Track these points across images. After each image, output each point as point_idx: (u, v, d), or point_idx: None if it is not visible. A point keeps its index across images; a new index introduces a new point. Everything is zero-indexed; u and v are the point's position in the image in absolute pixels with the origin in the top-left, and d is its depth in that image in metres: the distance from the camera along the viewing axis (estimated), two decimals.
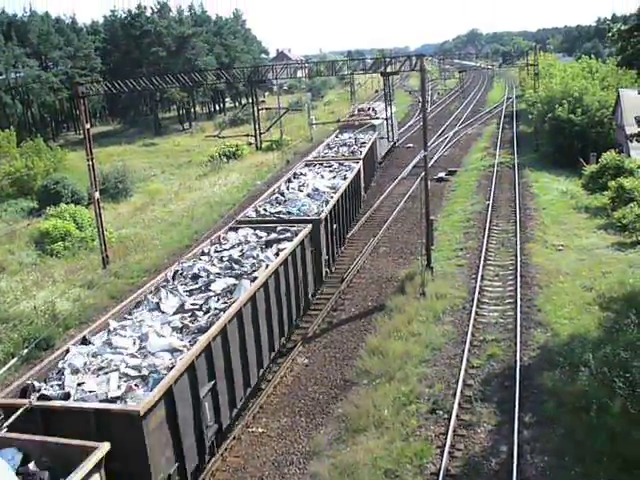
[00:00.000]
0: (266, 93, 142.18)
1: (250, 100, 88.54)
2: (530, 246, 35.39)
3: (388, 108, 51.94)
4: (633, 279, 29.11)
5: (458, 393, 21.11)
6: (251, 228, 27.89)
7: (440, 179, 54.09)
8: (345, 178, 37.77)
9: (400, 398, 21.30)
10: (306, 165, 42.79)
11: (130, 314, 20.08)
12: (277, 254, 24.28)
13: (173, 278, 22.70)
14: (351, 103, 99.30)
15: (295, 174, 39.53)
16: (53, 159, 63.31)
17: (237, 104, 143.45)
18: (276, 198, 33.48)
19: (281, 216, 30.13)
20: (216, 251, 25.35)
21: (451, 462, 18.33)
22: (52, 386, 16.12)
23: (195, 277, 22.60)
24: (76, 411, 14.75)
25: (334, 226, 32.36)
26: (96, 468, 12.85)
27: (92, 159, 38.19)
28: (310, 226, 27.62)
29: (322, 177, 38.61)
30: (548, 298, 28.25)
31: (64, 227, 42.04)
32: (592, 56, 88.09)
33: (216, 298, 20.68)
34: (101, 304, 32.21)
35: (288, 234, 26.52)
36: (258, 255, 24.22)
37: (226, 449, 19.55)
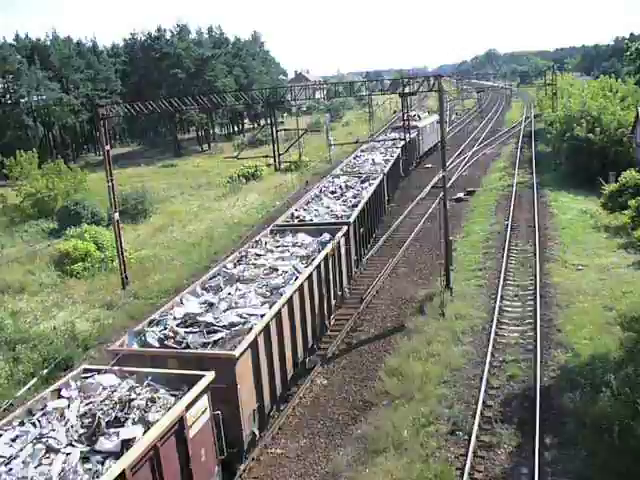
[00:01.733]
0: (285, 114, 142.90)
1: (269, 121, 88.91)
2: (549, 266, 35.26)
3: (406, 133, 52.05)
4: None
5: (478, 414, 21.00)
6: (347, 176, 46.94)
7: (459, 199, 54.07)
8: (392, 156, 56.01)
9: (419, 419, 21.21)
10: (362, 151, 61.82)
11: (308, 204, 38.57)
12: (370, 185, 42.74)
13: (320, 192, 41.69)
14: (369, 124, 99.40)
15: (356, 155, 59.11)
16: (73, 180, 63.72)
17: (256, 125, 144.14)
18: (352, 165, 53.29)
19: (360, 172, 48.58)
20: (334, 184, 44.27)
21: None
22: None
23: (333, 192, 41.71)
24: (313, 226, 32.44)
25: (389, 181, 50.48)
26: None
27: (112, 180, 38.50)
28: (382, 175, 46.46)
29: (377, 155, 57.77)
30: (568, 318, 28.10)
31: (84, 248, 42.26)
32: (611, 75, 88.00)
33: (350, 198, 39.33)
34: (120, 324, 32.27)
35: (371, 178, 45.10)
36: (359, 186, 42.99)
37: (244, 470, 19.49)
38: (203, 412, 16.21)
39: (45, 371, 24.89)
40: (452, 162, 70.05)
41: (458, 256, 37.94)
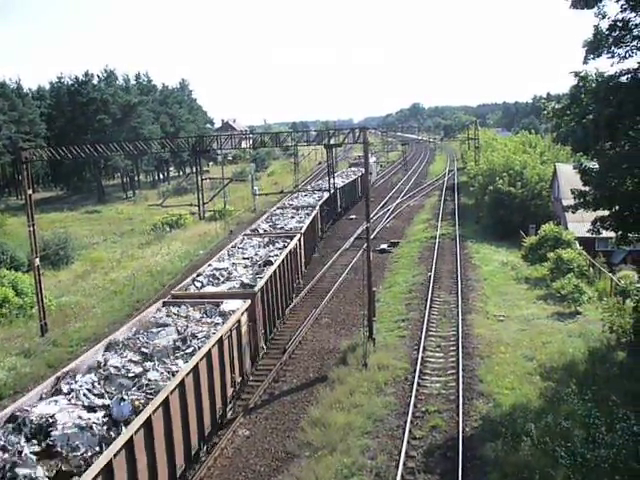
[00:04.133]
0: (210, 163, 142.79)
1: (194, 169, 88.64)
2: (471, 317, 35.68)
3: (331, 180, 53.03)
4: (572, 349, 29.54)
5: (401, 465, 20.93)
6: (311, 191, 67.97)
7: (382, 250, 54.53)
8: (348, 179, 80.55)
9: (342, 470, 21.02)
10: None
11: (292, 199, 64.24)
12: (324, 194, 62.24)
13: (298, 195, 67.14)
14: (294, 174, 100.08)
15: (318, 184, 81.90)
16: None
17: (181, 173, 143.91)
18: (319, 185, 75.22)
19: (319, 188, 66.77)
20: (305, 192, 68.53)
21: None
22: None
23: (305, 195, 66.69)
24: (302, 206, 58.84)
25: (345, 192, 74.70)
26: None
27: (33, 225, 37.81)
28: (334, 189, 60.87)
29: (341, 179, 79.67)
30: (490, 368, 28.41)
31: (2, 293, 41.15)
32: (531, 131, 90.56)
33: (316, 197, 62.87)
34: (38, 373, 31.44)
35: (324, 190, 61.94)
36: (319, 194, 63.82)
37: None
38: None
39: None
40: (376, 213, 70.81)
41: (381, 307, 38.13)
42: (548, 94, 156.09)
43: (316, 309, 39.08)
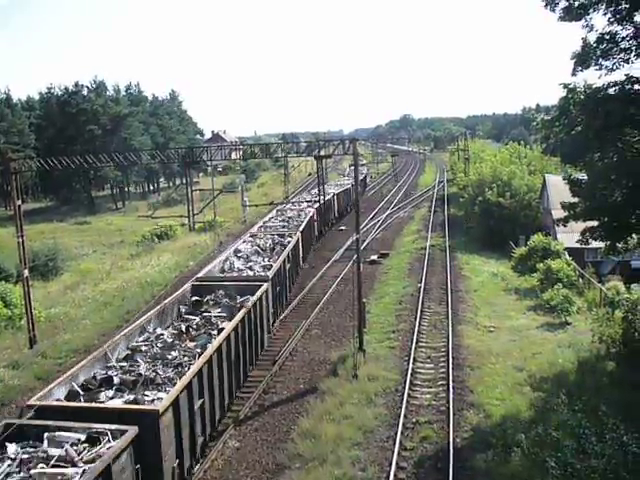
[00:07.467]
0: (200, 174, 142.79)
1: (184, 181, 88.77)
2: (462, 328, 35.70)
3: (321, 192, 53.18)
4: (562, 359, 29.63)
5: (392, 476, 20.88)
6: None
7: (372, 261, 54.44)
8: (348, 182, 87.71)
9: None
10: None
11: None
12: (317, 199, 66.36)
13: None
14: (284, 185, 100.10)
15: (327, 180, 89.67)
16: None
17: (171, 184, 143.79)
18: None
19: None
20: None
21: None
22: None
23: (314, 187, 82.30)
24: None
25: (346, 193, 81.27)
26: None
27: (22, 236, 37.59)
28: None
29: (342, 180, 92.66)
30: (480, 379, 28.43)
31: None
32: (520, 142, 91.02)
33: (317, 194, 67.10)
34: (26, 386, 31.24)
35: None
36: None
37: None
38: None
39: None
40: (366, 225, 70.81)
41: (371, 318, 38.03)
42: (537, 105, 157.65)
43: (306, 320, 39.01)
